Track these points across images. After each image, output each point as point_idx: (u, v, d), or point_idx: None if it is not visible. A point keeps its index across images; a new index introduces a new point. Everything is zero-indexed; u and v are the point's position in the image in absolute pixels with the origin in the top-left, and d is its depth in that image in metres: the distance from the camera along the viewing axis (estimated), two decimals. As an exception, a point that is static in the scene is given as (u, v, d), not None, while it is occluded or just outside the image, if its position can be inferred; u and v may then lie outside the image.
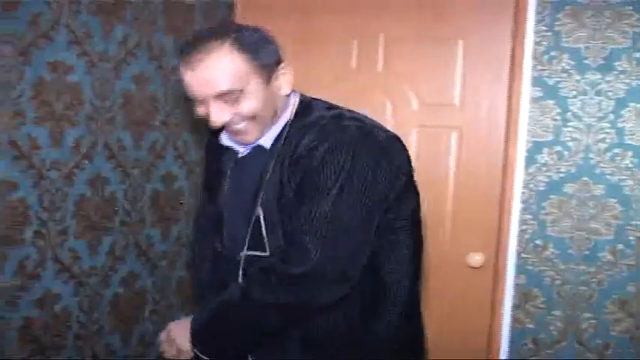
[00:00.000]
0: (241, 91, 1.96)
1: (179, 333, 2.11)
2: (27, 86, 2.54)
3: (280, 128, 2.09)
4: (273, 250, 2.01)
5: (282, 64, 2.06)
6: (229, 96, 1.96)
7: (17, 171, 2.55)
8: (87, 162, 2.85)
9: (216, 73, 1.94)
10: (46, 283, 2.73)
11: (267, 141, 2.09)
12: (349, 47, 3.63)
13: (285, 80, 2.07)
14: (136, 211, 3.14)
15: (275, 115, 2.08)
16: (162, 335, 2.17)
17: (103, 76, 2.87)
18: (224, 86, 1.95)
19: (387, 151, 2.00)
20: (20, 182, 2.57)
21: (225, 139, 2.19)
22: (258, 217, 2.04)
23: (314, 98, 2.19)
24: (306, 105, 2.14)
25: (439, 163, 3.54)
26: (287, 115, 2.11)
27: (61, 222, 2.76)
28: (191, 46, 1.97)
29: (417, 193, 2.16)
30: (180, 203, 3.45)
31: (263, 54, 1.99)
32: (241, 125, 2.03)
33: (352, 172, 1.91)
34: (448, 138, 3.52)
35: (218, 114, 1.99)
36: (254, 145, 2.12)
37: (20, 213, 2.58)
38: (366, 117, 2.10)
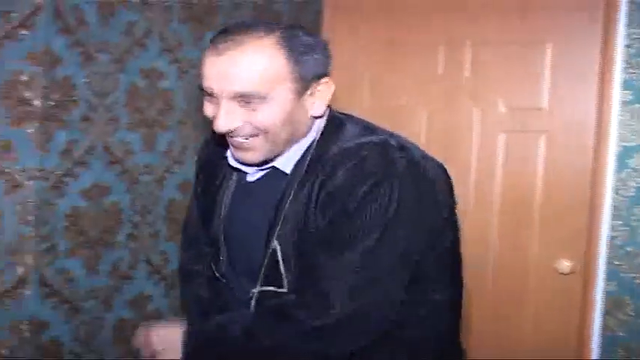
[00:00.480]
0: (264, 97, 1.63)
1: (167, 338, 1.87)
2: (121, 93, 2.62)
3: (303, 150, 1.77)
4: (291, 286, 1.75)
5: (325, 79, 1.74)
6: (248, 99, 1.63)
7: (111, 175, 2.63)
8: (177, 166, 2.92)
9: (244, 68, 1.61)
10: (138, 284, 2.80)
11: (287, 164, 1.78)
12: (435, 52, 3.62)
13: (320, 98, 1.74)
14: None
15: (290, 140, 1.75)
16: (146, 334, 1.92)
17: (193, 82, 2.94)
18: (248, 86, 1.62)
19: (434, 186, 1.74)
20: (114, 186, 2.65)
21: (233, 160, 1.85)
22: (275, 251, 1.75)
23: (344, 114, 1.88)
24: (338, 124, 1.81)
25: (527, 169, 3.49)
26: (312, 135, 1.79)
27: (152, 225, 2.83)
28: (229, 28, 1.67)
29: (457, 229, 1.86)
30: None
31: (308, 62, 1.68)
32: (248, 139, 1.70)
33: (396, 218, 1.64)
34: (536, 143, 3.48)
35: (228, 117, 1.66)
36: (267, 167, 1.82)
37: (114, 216, 2.66)
38: (409, 141, 1.79)
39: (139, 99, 2.71)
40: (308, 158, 1.75)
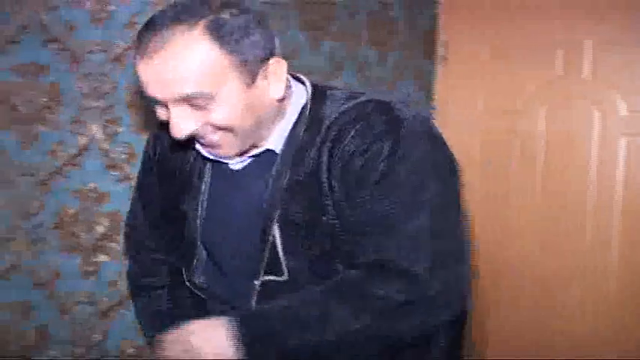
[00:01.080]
0: (211, 95, 1.48)
1: (207, 335, 1.53)
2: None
3: (291, 124, 1.63)
4: (292, 274, 1.61)
5: (272, 60, 1.55)
6: (195, 100, 1.49)
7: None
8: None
9: (178, 70, 1.45)
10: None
11: (276, 142, 1.64)
12: (553, 54, 3.56)
13: (275, 80, 1.56)
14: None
15: (263, 125, 1.60)
16: (173, 338, 1.59)
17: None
18: (188, 88, 1.47)
19: (443, 140, 1.61)
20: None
21: (203, 150, 1.69)
22: (274, 238, 1.59)
23: (324, 84, 1.71)
24: (322, 92, 1.65)
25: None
26: (296, 107, 1.64)
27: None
28: (152, 22, 1.49)
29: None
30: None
31: (247, 45, 1.49)
32: (214, 137, 1.57)
33: (432, 172, 1.52)
34: (660, 147, 3.39)
35: (180, 123, 1.51)
36: (256, 154, 1.67)
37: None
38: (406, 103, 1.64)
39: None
40: (299, 132, 1.61)
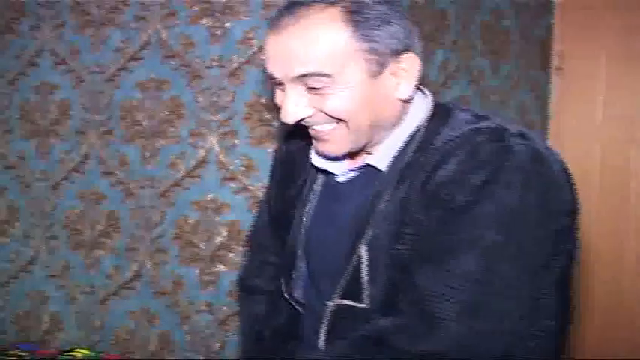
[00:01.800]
0: (331, 77, 1.38)
1: None
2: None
3: (402, 143, 1.49)
4: (372, 301, 1.45)
5: (407, 55, 1.44)
6: (314, 82, 1.39)
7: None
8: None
9: (305, 45, 1.37)
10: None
11: (381, 160, 1.50)
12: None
13: (405, 78, 1.44)
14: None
15: (378, 127, 1.47)
16: None
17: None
18: (310, 66, 1.37)
19: (558, 183, 1.38)
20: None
21: (316, 159, 1.60)
22: (360, 258, 1.45)
23: (453, 104, 1.56)
24: (445, 111, 1.50)
25: None
26: (412, 125, 1.50)
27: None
28: (289, 3, 1.43)
29: (575, 242, 1.44)
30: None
31: (382, 35, 1.40)
32: (324, 128, 1.46)
33: (518, 217, 1.31)
34: None
35: (294, 105, 1.43)
36: (359, 166, 1.55)
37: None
38: (532, 131, 1.43)
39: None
40: (409, 152, 1.46)
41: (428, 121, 1.48)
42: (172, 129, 2.63)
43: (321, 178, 1.65)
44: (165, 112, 2.63)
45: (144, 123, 2.67)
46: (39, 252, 2.90)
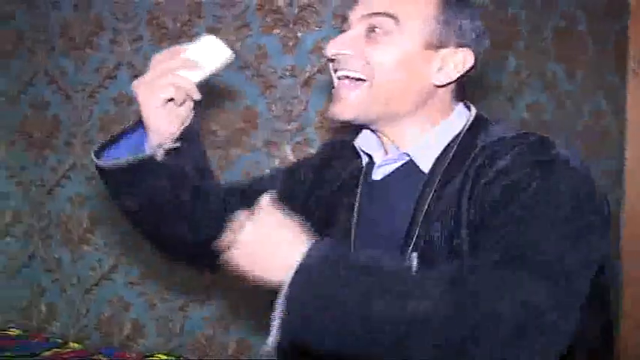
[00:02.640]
0: (396, 23, 1.42)
1: (280, 233, 1.29)
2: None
3: (443, 145, 1.48)
4: None
5: (465, 50, 1.47)
6: (376, 23, 1.43)
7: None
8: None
9: None
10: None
11: (423, 159, 1.48)
12: None
13: (450, 66, 1.46)
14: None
15: (398, 104, 1.46)
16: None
17: (498, 106, 2.97)
18: (381, 6, 1.43)
19: (597, 189, 1.38)
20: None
21: (361, 140, 1.58)
22: (411, 262, 1.40)
23: (491, 119, 1.56)
24: (485, 121, 1.51)
25: None
26: (453, 130, 1.50)
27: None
28: None
29: (609, 244, 1.45)
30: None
31: (460, 19, 1.46)
32: (349, 74, 1.45)
33: (575, 216, 1.29)
34: None
35: (343, 38, 1.46)
36: (400, 162, 1.52)
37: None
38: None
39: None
40: (451, 154, 1.45)
41: (468, 129, 1.49)
42: (247, 138, 2.67)
43: (360, 181, 1.59)
44: (240, 122, 2.68)
45: (219, 133, 2.72)
46: (119, 260, 2.98)
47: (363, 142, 1.58)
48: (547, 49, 3.20)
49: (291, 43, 2.61)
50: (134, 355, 2.77)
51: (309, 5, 2.59)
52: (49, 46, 3.23)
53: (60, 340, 2.91)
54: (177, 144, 1.54)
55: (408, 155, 1.49)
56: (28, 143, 3.29)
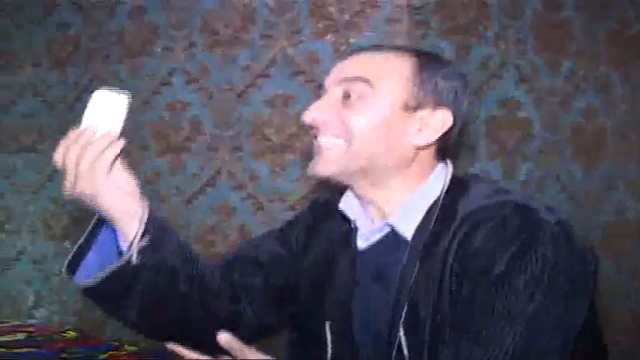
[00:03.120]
0: (371, 88, 1.42)
1: None
2: (481, 123, 2.71)
3: (424, 211, 1.45)
4: None
5: (444, 110, 1.46)
6: (352, 87, 1.43)
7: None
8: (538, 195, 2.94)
9: (366, 58, 1.47)
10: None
11: (406, 227, 1.45)
12: None
13: (430, 128, 1.46)
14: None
15: (379, 165, 1.45)
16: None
17: (551, 110, 2.95)
18: (356, 71, 1.44)
19: (585, 255, 1.38)
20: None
21: (344, 204, 1.56)
22: (400, 344, 1.39)
23: (471, 175, 1.57)
24: (464, 183, 1.48)
25: None
26: (432, 193, 1.47)
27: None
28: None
29: (596, 310, 1.47)
30: None
31: (433, 81, 1.45)
32: (329, 140, 1.44)
33: (551, 287, 1.29)
34: None
35: (321, 103, 1.46)
36: (383, 231, 1.49)
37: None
38: (549, 206, 1.42)
39: (498, 128, 2.78)
40: (432, 221, 1.43)
41: (446, 192, 1.46)
42: (300, 144, 2.69)
43: (347, 246, 1.56)
44: (294, 127, 2.70)
45: (273, 138, 2.74)
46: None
47: (347, 205, 1.55)
48: (600, 52, 3.16)
49: (342, 49, 2.62)
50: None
51: (360, 11, 2.59)
52: (104, 53, 3.29)
53: (116, 343, 2.95)
54: (146, 240, 1.41)
55: (390, 226, 1.47)
56: (85, 149, 3.34)
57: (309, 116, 1.46)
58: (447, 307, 1.35)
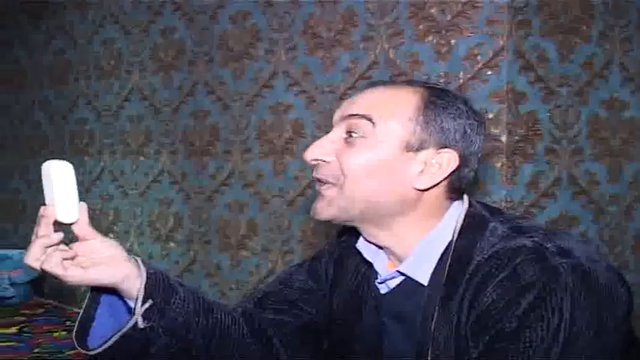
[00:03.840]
0: (372, 126, 1.38)
1: None
2: (583, 125, 2.67)
3: (437, 256, 1.41)
4: None
5: (448, 151, 1.40)
6: (356, 124, 1.40)
7: (577, 206, 2.68)
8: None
9: (372, 95, 1.43)
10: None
11: (420, 274, 1.42)
12: None
13: (433, 169, 1.40)
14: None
15: (378, 208, 1.41)
16: None
17: None
18: (360, 109, 1.41)
19: (612, 298, 1.30)
20: (581, 217, 2.69)
21: (362, 243, 1.53)
22: None
23: (486, 207, 1.48)
24: (479, 222, 1.42)
25: None
26: (446, 234, 1.42)
27: (620, 256, 2.82)
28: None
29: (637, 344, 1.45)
30: None
31: (443, 119, 1.39)
32: (320, 182, 1.43)
33: (569, 337, 1.24)
34: None
35: (324, 142, 1.44)
36: (400, 277, 1.47)
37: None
38: (570, 239, 1.36)
39: (602, 129, 2.73)
40: (447, 265, 1.39)
41: (461, 231, 1.41)
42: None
43: (367, 290, 1.55)
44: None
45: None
46: (276, 265, 3.06)
47: (364, 245, 1.53)
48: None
49: (444, 50, 2.62)
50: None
51: (461, 12, 2.58)
52: (208, 57, 3.37)
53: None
54: (149, 302, 1.41)
55: (404, 274, 1.45)
56: (189, 151, 3.45)
57: (309, 156, 1.44)
58: (465, 356, 1.32)
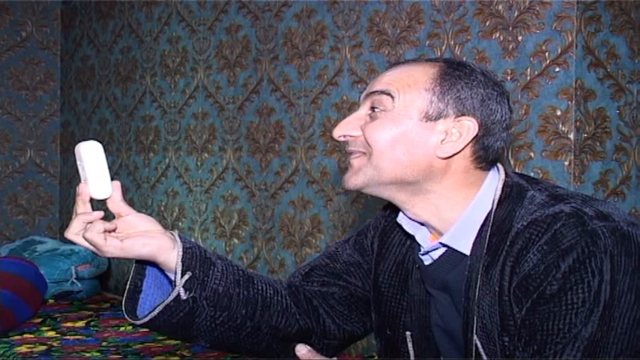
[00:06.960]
0: (392, 100, 1.44)
1: None
2: (654, 121, 2.63)
3: (477, 227, 1.44)
4: None
5: (468, 119, 1.43)
6: (377, 100, 1.46)
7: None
8: None
9: (392, 75, 1.48)
10: None
11: (462, 244, 1.46)
12: None
13: (454, 137, 1.43)
14: None
15: (405, 178, 1.44)
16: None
17: None
18: (383, 86, 1.46)
19: None
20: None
21: (402, 218, 1.56)
22: (478, 350, 1.41)
23: (525, 178, 1.51)
24: (519, 192, 1.45)
25: None
26: (486, 204, 1.45)
27: None
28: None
29: None
30: None
31: (462, 89, 1.44)
32: (354, 157, 1.48)
33: (611, 299, 1.28)
34: None
35: (350, 119, 1.49)
36: (442, 248, 1.49)
37: None
38: (608, 205, 1.39)
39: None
40: (487, 235, 1.42)
41: (500, 201, 1.44)
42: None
43: (411, 261, 1.60)
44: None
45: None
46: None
47: (404, 220, 1.56)
48: None
49: (511, 47, 2.59)
50: (354, 356, 2.83)
51: (529, 8, 2.55)
52: (273, 54, 3.39)
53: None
54: (188, 274, 1.48)
55: (446, 245, 1.48)
56: (254, 148, 3.47)
57: (337, 133, 1.50)
58: (510, 320, 1.36)
